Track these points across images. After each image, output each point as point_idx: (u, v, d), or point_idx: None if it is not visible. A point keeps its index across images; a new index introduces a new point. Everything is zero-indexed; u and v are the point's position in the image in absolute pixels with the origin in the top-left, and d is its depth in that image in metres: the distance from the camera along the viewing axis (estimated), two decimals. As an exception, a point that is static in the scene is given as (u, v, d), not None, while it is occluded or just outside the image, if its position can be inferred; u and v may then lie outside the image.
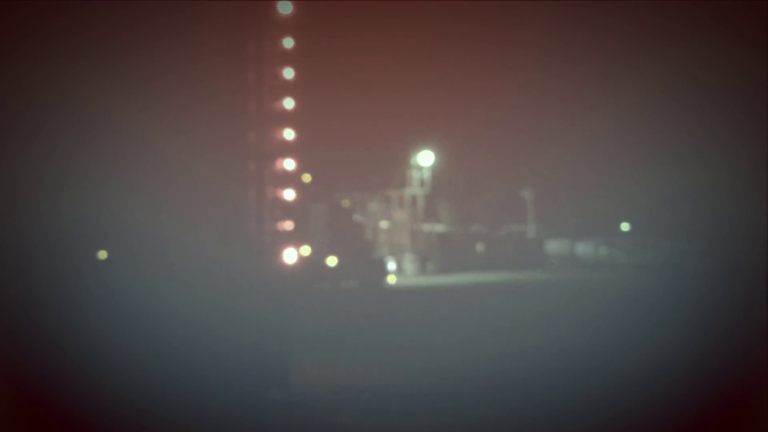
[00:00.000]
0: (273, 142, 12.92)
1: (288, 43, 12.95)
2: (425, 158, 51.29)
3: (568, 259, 64.01)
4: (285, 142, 13.00)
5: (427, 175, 52.13)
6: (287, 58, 12.98)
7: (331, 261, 38.31)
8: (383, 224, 51.48)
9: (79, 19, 11.00)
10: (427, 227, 54.50)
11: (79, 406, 10.20)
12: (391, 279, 41.99)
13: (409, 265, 49.19)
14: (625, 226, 71.13)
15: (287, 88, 13.01)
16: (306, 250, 35.38)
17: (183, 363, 11.09)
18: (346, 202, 44.72)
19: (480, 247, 57.67)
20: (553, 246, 65.37)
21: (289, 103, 13.00)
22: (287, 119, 13.03)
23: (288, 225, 12.95)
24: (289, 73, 12.99)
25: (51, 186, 10.72)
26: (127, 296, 10.87)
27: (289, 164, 13.02)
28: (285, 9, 12.90)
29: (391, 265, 43.32)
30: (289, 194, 12.99)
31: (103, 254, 11.19)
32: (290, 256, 12.89)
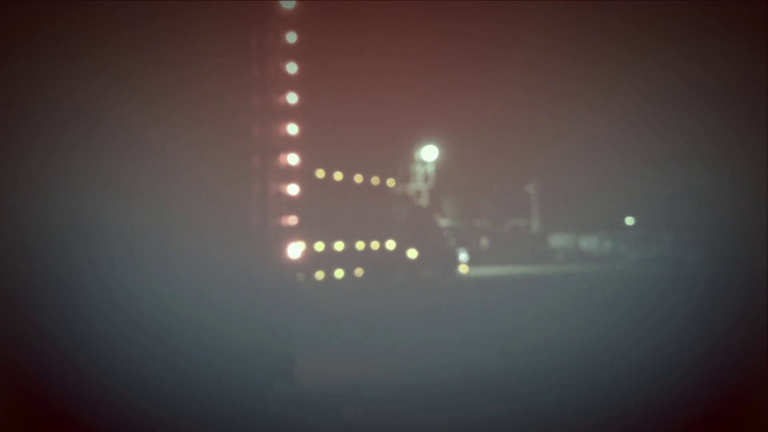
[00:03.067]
0: (276, 137, 12.91)
1: (291, 37, 12.93)
2: (429, 153, 51.23)
3: (572, 254, 64.05)
4: (288, 137, 12.99)
5: (431, 170, 52.08)
6: (290, 52, 12.95)
7: (412, 253, 42.71)
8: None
9: (81, 18, 10.97)
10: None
11: (80, 405, 10.18)
12: (463, 268, 46.49)
13: None
14: (629, 220, 71.10)
15: (290, 83, 12.99)
16: (391, 244, 41.10)
17: (186, 357, 11.08)
18: (424, 202, 48.10)
19: (484, 242, 57.84)
20: (558, 240, 65.41)
21: (292, 98, 12.99)
22: (290, 114, 13.02)
23: (292, 220, 12.94)
24: (292, 68, 12.97)
25: (52, 185, 10.70)
26: (129, 296, 10.85)
27: (292, 159, 13.01)
28: (288, 4, 12.88)
29: (463, 256, 47.50)
30: (293, 189, 12.98)
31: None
32: (294, 250, 12.88)
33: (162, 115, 11.37)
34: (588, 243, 65.56)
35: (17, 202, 10.47)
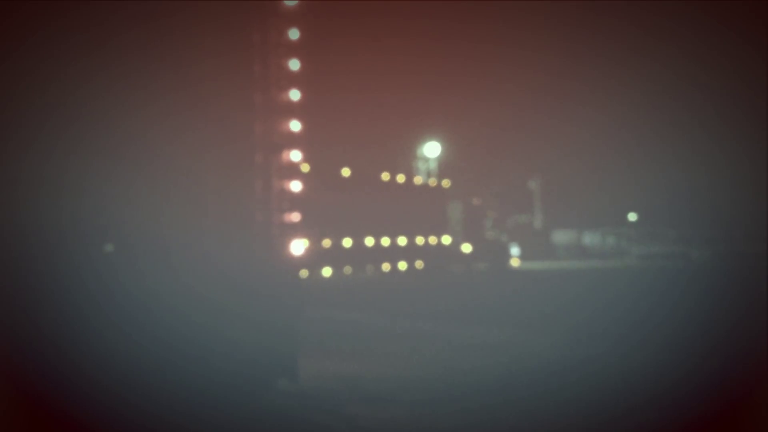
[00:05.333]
0: (279, 134, 12.90)
1: (294, 34, 12.92)
2: (432, 149, 51.25)
3: (575, 250, 64.08)
4: (291, 134, 12.98)
5: (433, 166, 52.10)
6: (293, 49, 12.94)
7: (466, 248, 47.54)
8: None
9: (81, 18, 10.96)
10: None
11: (80, 406, 10.18)
12: (515, 262, 50.68)
13: None
14: (632, 216, 71.13)
15: (293, 80, 12.98)
16: (447, 239, 45.88)
17: (189, 355, 11.08)
18: (477, 201, 51.91)
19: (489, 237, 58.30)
20: (560, 236, 65.43)
21: (295, 95, 12.98)
22: (293, 111, 13.01)
23: (295, 216, 12.94)
24: (295, 65, 12.96)
25: (52, 185, 10.69)
26: (132, 294, 10.85)
27: (295, 156, 13.00)
28: (291, 0, 12.87)
29: (515, 250, 51.83)
30: (295, 185, 12.98)
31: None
32: (297, 247, 12.88)
33: (165, 113, 11.36)
34: (591, 239, 65.59)
35: (17, 202, 10.46)
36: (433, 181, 46.68)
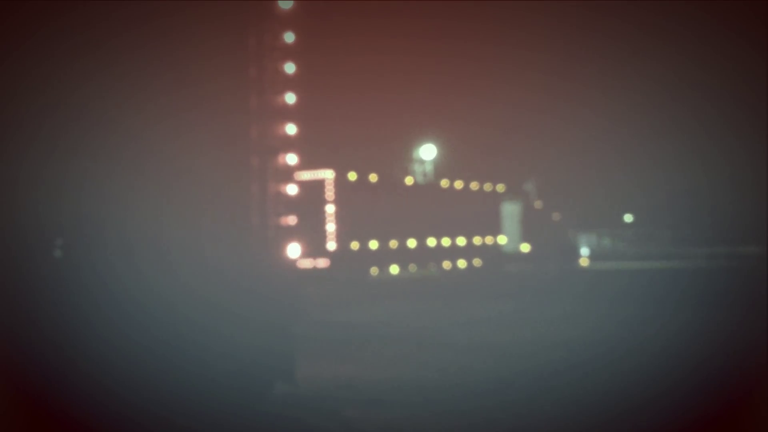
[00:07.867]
0: (275, 137, 12.91)
1: (289, 37, 12.94)
2: (427, 152, 51.21)
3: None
4: (287, 137, 13.00)
5: (429, 168, 52.07)
6: (288, 52, 12.97)
7: (525, 248, 49.67)
8: None
9: (79, 18, 10.97)
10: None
11: (81, 406, 10.19)
12: (584, 262, 52.80)
13: None
14: (627, 218, 71.22)
15: (289, 83, 13.00)
16: (502, 239, 48.33)
17: (187, 358, 11.09)
18: (539, 203, 53.48)
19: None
20: (556, 238, 65.32)
21: (290, 98, 12.99)
22: (289, 114, 13.02)
23: (291, 220, 12.95)
24: (290, 68, 12.98)
25: (52, 185, 10.71)
26: (129, 296, 10.86)
27: (291, 159, 13.01)
28: (286, 4, 12.89)
29: (584, 250, 54.12)
30: (291, 189, 12.99)
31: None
32: (294, 250, 12.90)
33: (161, 116, 11.38)
34: (587, 240, 65.63)
35: (17, 202, 10.47)
36: (488, 186, 48.82)
